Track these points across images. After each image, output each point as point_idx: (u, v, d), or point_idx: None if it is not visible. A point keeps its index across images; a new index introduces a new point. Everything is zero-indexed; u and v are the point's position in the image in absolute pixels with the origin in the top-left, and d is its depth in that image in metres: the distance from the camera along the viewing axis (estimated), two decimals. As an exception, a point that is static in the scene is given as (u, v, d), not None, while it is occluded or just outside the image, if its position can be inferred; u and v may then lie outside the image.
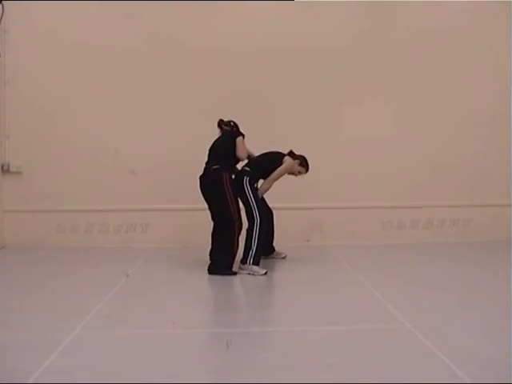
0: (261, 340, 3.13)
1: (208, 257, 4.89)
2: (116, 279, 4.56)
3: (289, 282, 4.68)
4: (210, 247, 4.91)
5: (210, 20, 6.45)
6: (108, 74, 6.40)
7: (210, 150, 5.03)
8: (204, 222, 5.11)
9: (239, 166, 5.17)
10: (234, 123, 5.13)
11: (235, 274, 4.77)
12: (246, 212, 4.96)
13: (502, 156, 6.48)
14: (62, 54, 6.40)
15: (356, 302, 3.89)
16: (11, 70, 6.36)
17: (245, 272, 4.79)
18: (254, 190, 5.00)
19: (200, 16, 6.43)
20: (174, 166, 6.26)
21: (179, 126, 6.37)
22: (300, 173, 5.35)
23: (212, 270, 4.80)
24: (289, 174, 5.28)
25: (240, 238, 4.83)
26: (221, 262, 4.79)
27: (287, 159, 5.19)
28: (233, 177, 4.94)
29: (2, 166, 6.34)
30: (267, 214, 5.20)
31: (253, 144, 5.15)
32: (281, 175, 5.16)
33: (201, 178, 4.92)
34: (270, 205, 5.38)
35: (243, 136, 4.97)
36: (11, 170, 6.34)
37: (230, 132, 5.06)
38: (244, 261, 4.83)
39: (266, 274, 4.79)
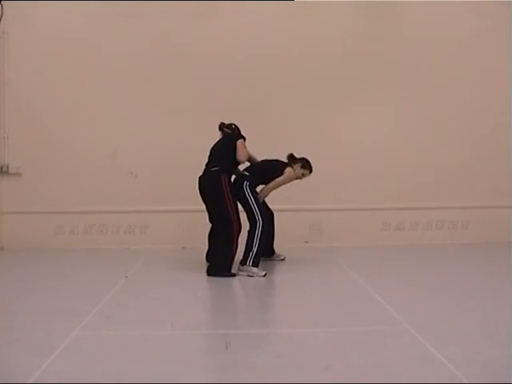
0: (260, 341, 3.12)
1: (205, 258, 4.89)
2: (115, 280, 4.56)
3: (288, 283, 4.68)
4: (207, 249, 4.90)
5: (210, 22, 6.46)
6: (107, 75, 6.41)
7: (211, 151, 5.05)
8: (203, 224, 5.12)
9: (240, 168, 5.16)
10: (236, 126, 5.14)
11: (234, 275, 4.76)
12: (247, 214, 4.96)
13: (502, 158, 6.51)
14: (62, 55, 6.41)
15: (355, 304, 3.89)
16: (10, 72, 6.36)
17: (244, 273, 4.78)
18: (255, 193, 5.01)
19: (200, 18, 6.44)
20: (173, 168, 6.27)
21: (178, 127, 6.37)
22: (304, 175, 5.35)
23: (211, 272, 4.79)
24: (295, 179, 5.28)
25: (240, 240, 4.82)
26: (220, 264, 4.78)
27: (288, 171, 5.17)
28: (233, 177, 4.94)
29: (1, 168, 6.35)
30: (269, 216, 5.21)
31: (253, 147, 5.15)
32: (279, 186, 5.16)
33: (200, 178, 4.93)
34: (271, 206, 5.39)
35: (244, 139, 4.98)
36: (10, 171, 6.35)
37: (230, 134, 5.06)
38: (244, 262, 4.81)
39: (265, 275, 4.78)
